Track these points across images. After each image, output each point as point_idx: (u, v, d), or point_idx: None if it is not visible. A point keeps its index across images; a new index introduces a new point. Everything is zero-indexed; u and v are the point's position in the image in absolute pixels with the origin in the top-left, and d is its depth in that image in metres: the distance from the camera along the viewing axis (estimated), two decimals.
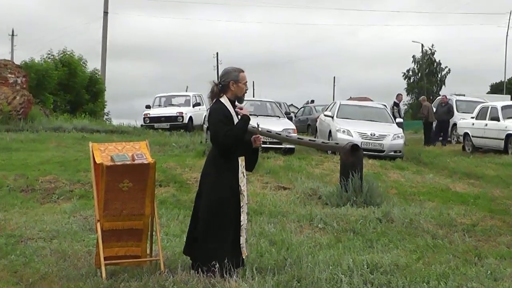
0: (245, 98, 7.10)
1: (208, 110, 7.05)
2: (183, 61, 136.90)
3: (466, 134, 23.80)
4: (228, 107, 6.77)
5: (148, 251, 7.31)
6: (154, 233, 7.30)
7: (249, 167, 6.97)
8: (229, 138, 6.65)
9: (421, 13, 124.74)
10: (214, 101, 6.85)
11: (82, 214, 10.46)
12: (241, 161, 6.85)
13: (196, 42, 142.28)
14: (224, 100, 6.80)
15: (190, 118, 29.05)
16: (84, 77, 37.82)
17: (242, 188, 6.83)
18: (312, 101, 42.71)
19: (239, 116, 6.84)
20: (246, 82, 6.92)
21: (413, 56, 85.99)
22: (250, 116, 6.94)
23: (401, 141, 19.95)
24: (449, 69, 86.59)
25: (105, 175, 6.70)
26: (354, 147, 12.28)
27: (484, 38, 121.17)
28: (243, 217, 6.87)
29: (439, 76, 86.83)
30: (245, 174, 6.90)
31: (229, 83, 6.81)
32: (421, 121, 30.23)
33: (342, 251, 8.23)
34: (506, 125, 21.66)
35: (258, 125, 7.50)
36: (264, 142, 18.11)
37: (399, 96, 27.89)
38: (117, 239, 7.02)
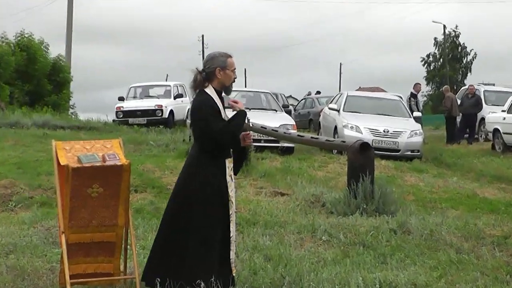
0: (233, 88, 7.09)
1: (192, 102, 7.03)
2: (163, 46, 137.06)
3: (496, 131, 23.83)
4: (214, 98, 6.76)
5: (121, 268, 7.31)
6: (128, 246, 7.29)
7: (234, 170, 6.97)
8: (225, 136, 6.64)
9: None
10: (197, 91, 6.84)
11: (43, 224, 10.46)
12: (229, 162, 6.85)
13: (179, 24, 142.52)
14: (210, 90, 6.79)
15: (171, 112, 29.06)
16: (46, 64, 37.73)
17: (230, 194, 6.84)
18: (318, 93, 42.68)
19: (231, 110, 6.83)
20: (235, 69, 6.91)
21: (435, 39, 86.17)
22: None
23: (419, 139, 20.00)
24: (475, 54, 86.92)
25: (70, 179, 6.70)
26: (364, 146, 12.30)
27: None
28: (233, 228, 6.88)
29: (464, 62, 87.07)
30: (233, 178, 6.91)
31: (214, 70, 6.80)
32: (443, 115, 30.28)
33: (350, 267, 8.24)
34: None
35: (248, 120, 7.47)
36: (259, 140, 18.14)
37: (417, 85, 27.94)
38: (85, 254, 7.02)
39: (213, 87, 6.79)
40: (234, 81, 6.92)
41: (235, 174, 6.97)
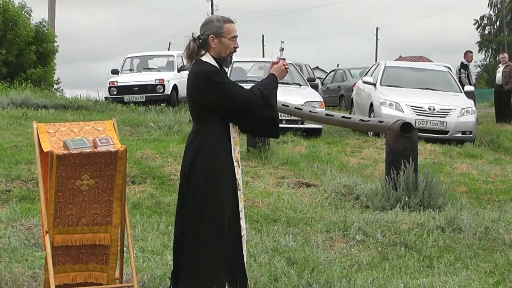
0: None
1: (188, 75, 6.92)
2: (165, 8, 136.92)
3: None
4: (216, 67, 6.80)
5: (117, 275, 7.33)
6: (125, 249, 7.31)
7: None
8: (257, 99, 6.76)
9: None
10: (193, 61, 6.81)
11: (23, 223, 10.50)
12: (235, 144, 6.86)
13: None
14: (208, 59, 6.77)
15: (174, 87, 29.04)
16: (29, 30, 37.73)
17: (239, 181, 6.88)
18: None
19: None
20: (235, 36, 6.86)
21: None
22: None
23: (471, 118, 19.95)
24: None
25: (55, 169, 6.72)
26: (406, 127, 12.27)
27: None
28: (243, 223, 6.92)
29: None
30: (240, 164, 6.92)
31: (208, 38, 6.80)
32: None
33: (389, 272, 8.25)
34: None
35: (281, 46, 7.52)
36: (280, 121, 18.14)
37: (468, 54, 27.81)
38: (73, 260, 7.04)
39: (212, 56, 6.80)
40: (235, 51, 6.91)
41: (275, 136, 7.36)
